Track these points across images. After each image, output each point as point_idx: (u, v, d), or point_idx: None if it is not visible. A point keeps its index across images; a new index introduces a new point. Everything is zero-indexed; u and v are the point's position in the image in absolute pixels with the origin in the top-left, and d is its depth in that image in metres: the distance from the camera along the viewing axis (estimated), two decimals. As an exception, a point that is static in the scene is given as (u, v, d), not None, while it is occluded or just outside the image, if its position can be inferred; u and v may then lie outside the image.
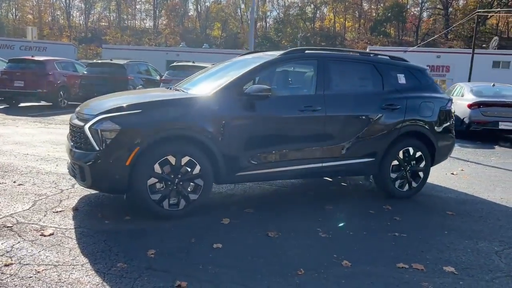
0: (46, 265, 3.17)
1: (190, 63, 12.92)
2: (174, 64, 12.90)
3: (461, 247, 3.91)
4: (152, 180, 4.08)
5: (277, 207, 4.82)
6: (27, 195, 4.74)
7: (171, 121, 4.13)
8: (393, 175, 5.26)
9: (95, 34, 77.20)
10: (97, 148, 3.92)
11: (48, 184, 5.19)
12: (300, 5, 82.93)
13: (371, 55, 5.57)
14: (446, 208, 5.09)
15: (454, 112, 5.87)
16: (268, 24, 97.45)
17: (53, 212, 4.27)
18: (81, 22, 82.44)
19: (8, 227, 3.83)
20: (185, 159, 4.15)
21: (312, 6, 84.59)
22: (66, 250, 3.45)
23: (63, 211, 4.30)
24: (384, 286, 3.10)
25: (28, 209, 4.32)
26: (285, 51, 4.94)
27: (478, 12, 49.18)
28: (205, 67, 12.28)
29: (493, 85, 12.07)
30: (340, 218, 4.54)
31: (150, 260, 3.33)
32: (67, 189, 5.05)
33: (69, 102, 14.43)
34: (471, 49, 53.53)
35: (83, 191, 4.93)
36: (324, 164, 4.85)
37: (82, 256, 3.34)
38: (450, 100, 5.73)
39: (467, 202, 5.43)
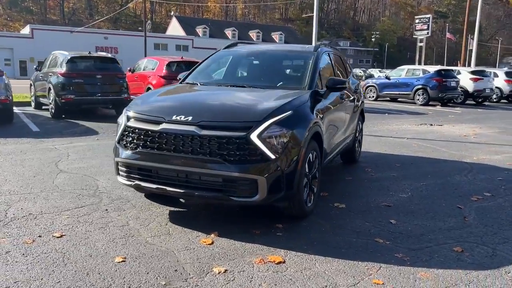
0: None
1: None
2: None
3: (477, 181, 5.82)
4: (304, 181, 4.09)
5: (340, 191, 5.42)
6: (118, 244, 3.60)
7: (312, 119, 4.16)
8: (357, 145, 6.68)
9: None
10: (273, 157, 3.61)
11: (82, 227, 3.92)
12: None
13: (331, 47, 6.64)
14: (402, 163, 6.93)
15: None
16: None
17: (206, 245, 3.58)
18: None
19: (217, 272, 3.15)
20: (314, 155, 4.31)
21: None
22: (347, 263, 3.32)
23: (213, 242, 3.66)
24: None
25: (184, 248, 3.46)
26: (316, 45, 5.44)
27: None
28: None
29: None
30: (383, 184, 5.64)
31: (404, 246, 3.68)
32: (129, 225, 4.01)
33: None
34: (137, 32, 57.36)
35: (139, 216, 4.07)
36: (344, 143, 5.78)
37: (364, 267, 3.35)
38: (359, 82, 7.56)
39: (400, 158, 7.39)
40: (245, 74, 5.26)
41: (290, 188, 3.74)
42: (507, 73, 21.43)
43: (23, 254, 3.26)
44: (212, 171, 3.58)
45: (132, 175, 3.93)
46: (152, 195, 4.62)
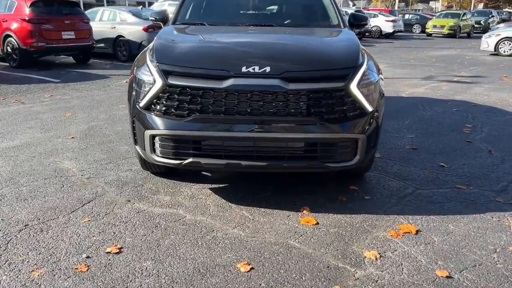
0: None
1: None
2: None
3: (441, 114, 6.03)
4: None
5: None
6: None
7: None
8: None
9: None
10: (370, 109, 3.04)
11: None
12: None
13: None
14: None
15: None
16: None
17: (313, 225, 2.97)
18: None
19: (374, 258, 2.63)
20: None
21: None
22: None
23: (318, 222, 3.04)
24: None
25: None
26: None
27: None
28: None
29: None
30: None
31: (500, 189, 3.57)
32: (187, 217, 3.10)
33: None
34: None
35: (183, 203, 3.18)
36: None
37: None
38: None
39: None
40: (254, 11, 4.32)
41: (377, 143, 3.23)
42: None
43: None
44: (306, 134, 2.84)
45: (183, 151, 2.92)
46: (163, 173, 3.62)
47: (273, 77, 2.79)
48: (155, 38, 3.42)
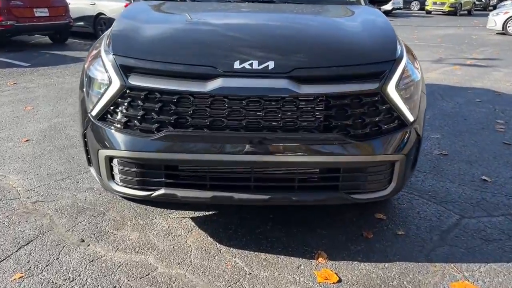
0: None
1: None
2: None
3: (465, 106, 5.22)
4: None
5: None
6: None
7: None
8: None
9: None
10: (411, 119, 2.21)
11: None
12: None
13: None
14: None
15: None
16: None
17: (333, 284, 2.16)
18: None
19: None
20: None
21: None
22: None
23: (340, 278, 2.22)
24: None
25: None
26: None
27: None
28: None
29: None
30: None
31: None
32: (158, 269, 2.27)
33: None
34: None
35: (156, 246, 2.36)
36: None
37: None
38: None
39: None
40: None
41: (417, 162, 2.40)
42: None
43: None
44: (324, 157, 2.02)
45: (151, 180, 2.08)
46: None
47: (279, 77, 1.95)
48: (116, 18, 2.53)
